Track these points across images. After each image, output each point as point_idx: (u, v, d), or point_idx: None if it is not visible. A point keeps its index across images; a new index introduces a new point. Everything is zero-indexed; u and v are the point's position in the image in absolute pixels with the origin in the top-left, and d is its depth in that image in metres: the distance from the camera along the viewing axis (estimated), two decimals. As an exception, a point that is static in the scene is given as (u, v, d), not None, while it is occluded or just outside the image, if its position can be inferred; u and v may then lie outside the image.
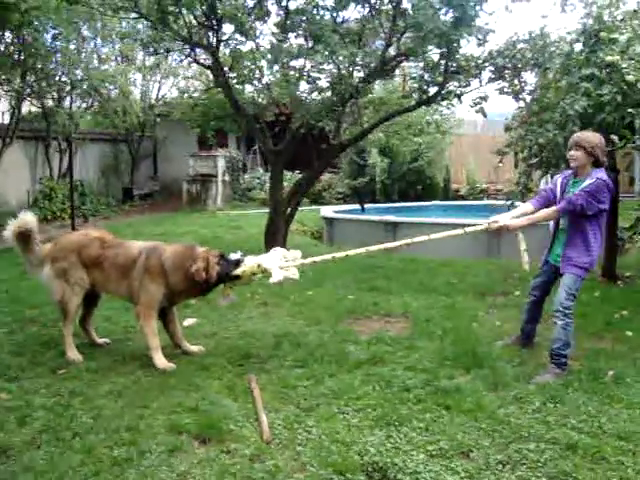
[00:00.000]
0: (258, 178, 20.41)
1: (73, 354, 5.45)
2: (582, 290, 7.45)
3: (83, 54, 16.58)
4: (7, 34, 13.13)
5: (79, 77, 16.14)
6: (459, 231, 5.58)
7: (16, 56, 13.06)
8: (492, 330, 6.22)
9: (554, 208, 5.15)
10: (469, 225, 5.69)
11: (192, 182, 19.23)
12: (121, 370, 5.17)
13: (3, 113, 15.44)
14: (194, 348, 5.64)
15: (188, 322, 6.45)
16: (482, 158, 19.16)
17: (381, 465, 3.59)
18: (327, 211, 14.87)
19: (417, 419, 4.17)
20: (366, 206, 16.33)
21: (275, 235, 9.67)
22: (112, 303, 7.09)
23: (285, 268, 5.20)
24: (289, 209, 10.10)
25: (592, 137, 5.15)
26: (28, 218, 5.59)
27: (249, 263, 5.25)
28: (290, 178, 14.83)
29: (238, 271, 5.25)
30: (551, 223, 5.54)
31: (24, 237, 5.58)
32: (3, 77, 13.90)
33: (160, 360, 5.23)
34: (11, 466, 3.66)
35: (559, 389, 4.67)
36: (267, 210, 10.93)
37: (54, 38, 14.73)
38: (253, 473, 3.53)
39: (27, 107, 16.48)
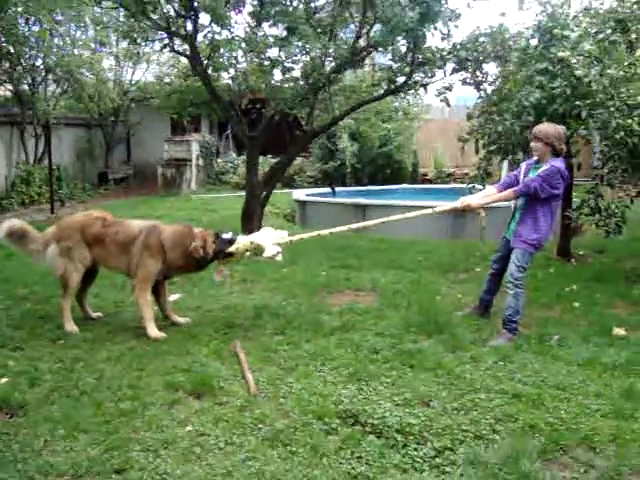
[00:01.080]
0: (231, 162, 20.82)
1: (70, 326, 5.90)
2: (538, 267, 8.19)
3: (56, 39, 16.75)
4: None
5: (53, 62, 16.32)
6: (429, 210, 6.22)
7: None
8: (453, 302, 6.84)
9: (512, 189, 5.75)
10: (436, 207, 6.32)
11: (167, 166, 19.57)
12: (116, 339, 5.66)
13: (-24, 97, 15.60)
14: (182, 320, 6.16)
15: (173, 297, 6.92)
16: (449, 143, 19.67)
17: (353, 412, 4.16)
18: (299, 194, 15.32)
19: (385, 376, 4.75)
20: (337, 189, 16.83)
21: (251, 217, 10.14)
22: (100, 281, 7.58)
23: (276, 244, 5.77)
24: (264, 192, 10.58)
25: (548, 129, 5.72)
26: (15, 224, 6.04)
27: (242, 241, 5.81)
28: (263, 162, 15.27)
29: (232, 249, 5.80)
30: (512, 204, 6.14)
31: (18, 237, 6.03)
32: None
33: (153, 330, 5.74)
34: (31, 417, 4.17)
35: (510, 350, 5.30)
36: (240, 193, 11.39)
37: (26, 23, 14.88)
38: (243, 419, 4.08)
39: (1, 92, 16.63)
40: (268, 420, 4.06)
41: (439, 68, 9.41)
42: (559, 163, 5.58)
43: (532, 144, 5.72)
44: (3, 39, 13.68)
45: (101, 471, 3.53)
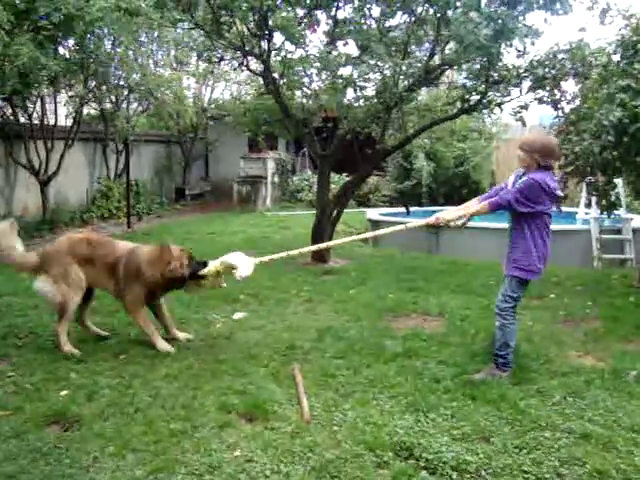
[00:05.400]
0: (306, 180, 20.87)
1: (69, 347, 5.75)
2: (616, 295, 7.80)
3: (139, 59, 17.29)
4: (71, 42, 13.85)
5: (136, 82, 16.83)
6: (401, 227, 5.88)
7: (79, 63, 13.75)
8: (523, 330, 6.51)
9: (487, 201, 5.20)
10: (408, 223, 6.06)
11: (242, 183, 19.79)
12: (177, 357, 5.66)
13: (66, 116, 16.20)
14: (181, 335, 6.18)
15: (237, 316, 6.95)
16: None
17: (408, 445, 3.98)
18: (373, 213, 15.22)
19: (444, 407, 4.55)
20: (411, 209, 16.61)
21: (322, 235, 10.05)
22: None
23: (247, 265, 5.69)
24: (335, 211, 10.50)
25: (535, 139, 5.23)
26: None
27: (212, 264, 5.79)
28: (337, 181, 15.25)
29: (204, 271, 5.78)
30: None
31: None
32: (67, 83, 14.66)
33: (161, 344, 5.82)
34: (84, 432, 4.19)
35: (581, 385, 4.99)
36: (314, 211, 11.34)
37: (113, 44, 15.47)
38: (293, 447, 3.96)
39: (86, 110, 17.24)
40: (318, 449, 3.93)
41: (515, 86, 9.12)
42: (541, 176, 4.99)
43: (517, 152, 5.22)
44: (90, 60, 14.14)
45: (143, 494, 3.49)
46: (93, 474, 3.68)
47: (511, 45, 8.29)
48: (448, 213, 5.48)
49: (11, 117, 13.51)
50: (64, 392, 4.82)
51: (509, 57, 8.87)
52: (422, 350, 5.80)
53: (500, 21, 7.47)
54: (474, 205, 5.38)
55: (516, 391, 4.85)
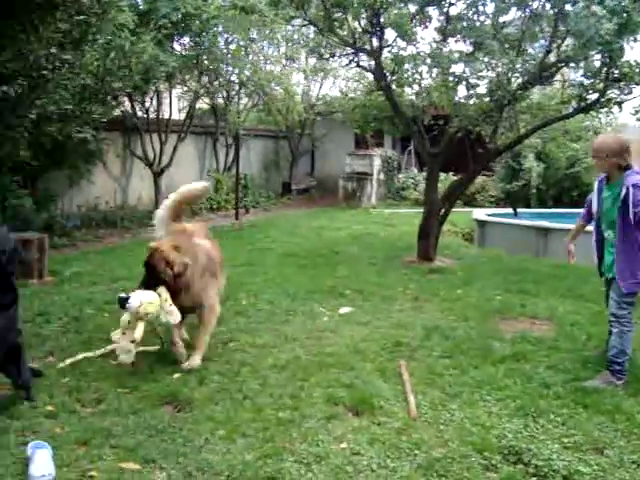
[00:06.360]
0: (412, 178, 20.74)
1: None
2: None
3: (250, 56, 17.73)
4: (187, 39, 14.40)
5: (247, 77, 17.26)
6: None
7: (194, 60, 14.26)
8: (636, 340, 6.24)
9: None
10: None
11: (348, 179, 19.91)
12: (283, 348, 5.79)
13: (180, 110, 16.82)
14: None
15: (343, 310, 7.02)
16: (647, 165, 18.32)
17: (517, 449, 3.90)
18: (479, 214, 14.97)
19: (554, 413, 4.42)
20: (519, 210, 16.23)
21: (428, 234, 10.00)
22: (274, 289, 7.84)
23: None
24: (443, 210, 10.40)
25: (601, 143, 5.09)
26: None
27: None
28: (444, 179, 15.07)
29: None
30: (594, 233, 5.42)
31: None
32: (181, 78, 15.23)
33: None
34: (196, 414, 4.37)
35: None
36: (419, 210, 11.28)
37: (226, 42, 15.95)
38: (399, 443, 3.97)
39: (198, 104, 17.83)
40: (425, 447, 3.92)
41: (637, 84, 8.70)
42: (635, 178, 4.79)
43: (592, 160, 5.04)
44: (204, 57, 14.64)
45: (253, 477, 3.58)
46: (205, 454, 3.82)
47: (635, 40, 7.94)
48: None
49: (130, 111, 14.17)
50: (176, 375, 5.02)
51: (631, 53, 8.48)
52: (531, 354, 5.66)
53: (625, 14, 7.15)
54: (580, 225, 5.71)
55: (632, 403, 4.64)
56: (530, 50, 9.63)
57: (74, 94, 6.44)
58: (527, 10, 9.13)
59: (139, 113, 14.58)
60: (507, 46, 9.17)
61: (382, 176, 20.47)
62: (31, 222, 10.80)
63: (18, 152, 7.91)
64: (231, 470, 3.63)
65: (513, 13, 9.43)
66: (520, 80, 9.25)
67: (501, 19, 9.44)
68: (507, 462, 3.79)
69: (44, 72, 5.87)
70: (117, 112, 13.34)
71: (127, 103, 14.04)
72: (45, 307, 6.99)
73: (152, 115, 14.89)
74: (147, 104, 14.68)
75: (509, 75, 8.97)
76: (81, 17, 5.52)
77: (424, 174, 18.53)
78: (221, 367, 5.25)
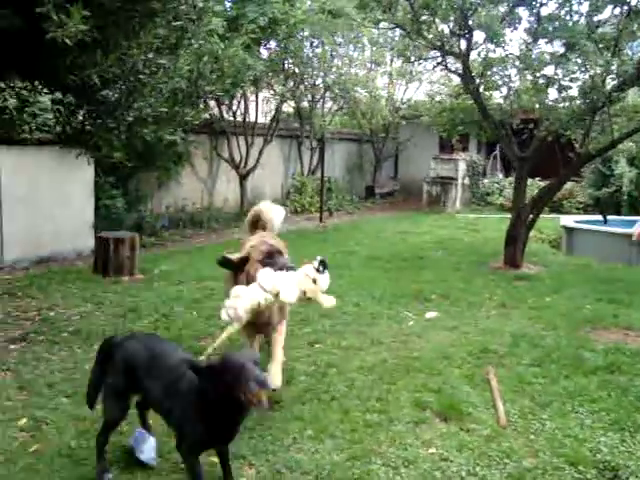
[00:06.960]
0: (497, 183, 20.34)
1: None
2: None
3: (336, 59, 17.84)
4: (273, 44, 14.63)
5: (332, 81, 17.36)
6: None
7: (281, 64, 14.48)
8: None
9: None
10: None
11: (432, 184, 19.71)
12: (370, 350, 5.80)
13: (265, 114, 17.07)
14: None
15: (429, 315, 6.98)
16: None
17: (613, 465, 3.77)
18: (567, 220, 14.53)
19: (653, 429, 4.26)
20: (609, 218, 15.67)
21: (515, 240, 9.79)
22: (359, 291, 7.84)
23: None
24: (531, 215, 10.16)
25: None
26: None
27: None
28: (530, 185, 14.72)
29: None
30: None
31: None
32: (267, 82, 15.48)
33: None
34: (284, 413, 4.44)
35: None
36: (504, 215, 11.07)
37: (311, 46, 16.13)
38: (489, 451, 3.92)
39: (285, 108, 18.06)
40: (515, 456, 3.85)
41: None
42: None
43: None
44: (290, 61, 14.83)
45: (341, 478, 3.60)
46: (294, 453, 3.88)
47: None
48: None
49: (217, 115, 14.50)
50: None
51: None
52: (626, 366, 5.46)
53: None
54: None
55: None
56: (627, 50, 9.30)
57: (168, 97, 6.65)
58: (624, 7, 8.80)
59: (226, 116, 14.90)
60: (602, 46, 8.88)
61: (467, 181, 20.16)
62: (122, 222, 11.22)
63: (113, 154, 8.22)
64: (319, 470, 3.67)
65: (609, 11, 9.14)
66: (615, 82, 8.93)
67: (596, 18, 9.16)
68: (603, 478, 3.68)
69: (141, 76, 6.05)
70: (205, 115, 13.66)
71: (215, 107, 14.36)
72: (136, 304, 7.27)
73: (239, 118, 15.19)
74: (234, 107, 14.98)
75: (604, 76, 8.67)
76: (178, 23, 5.67)
77: (509, 179, 18.21)
78: (308, 368, 5.32)
